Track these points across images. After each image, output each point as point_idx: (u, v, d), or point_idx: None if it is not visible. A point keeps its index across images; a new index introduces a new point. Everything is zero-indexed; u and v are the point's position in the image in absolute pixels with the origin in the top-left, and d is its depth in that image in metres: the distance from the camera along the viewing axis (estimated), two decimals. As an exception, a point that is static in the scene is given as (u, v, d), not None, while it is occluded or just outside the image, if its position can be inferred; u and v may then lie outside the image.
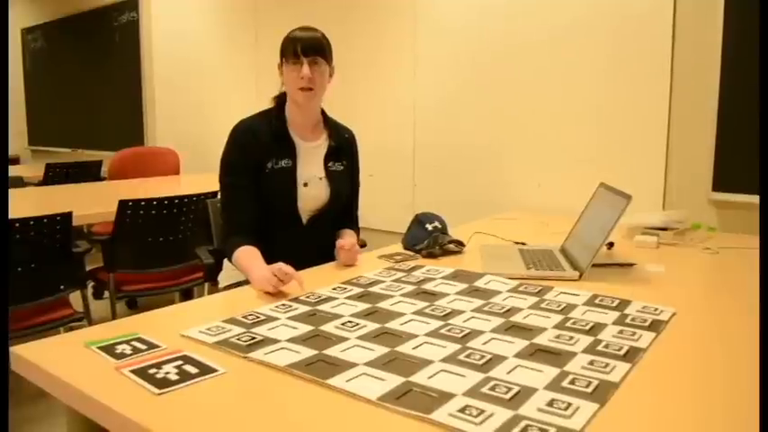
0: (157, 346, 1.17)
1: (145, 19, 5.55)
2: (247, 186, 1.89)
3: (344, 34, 3.74)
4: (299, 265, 1.79)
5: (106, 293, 2.92)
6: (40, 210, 2.42)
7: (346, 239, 1.87)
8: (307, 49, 1.83)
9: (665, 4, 2.56)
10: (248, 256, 1.77)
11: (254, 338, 1.21)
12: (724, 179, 2.47)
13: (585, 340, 1.20)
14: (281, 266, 1.55)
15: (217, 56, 4.89)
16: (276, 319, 1.34)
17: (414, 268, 1.79)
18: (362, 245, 2.09)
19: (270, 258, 1.84)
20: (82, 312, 2.53)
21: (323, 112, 2.03)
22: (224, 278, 2.03)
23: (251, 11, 4.51)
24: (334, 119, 2.07)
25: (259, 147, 1.89)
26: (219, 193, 1.95)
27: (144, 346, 1.17)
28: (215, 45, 4.90)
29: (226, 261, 2.04)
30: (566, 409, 0.91)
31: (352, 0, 3.74)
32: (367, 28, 3.66)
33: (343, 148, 2.04)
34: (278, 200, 1.91)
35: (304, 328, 1.27)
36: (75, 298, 2.57)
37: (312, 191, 1.95)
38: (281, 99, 1.99)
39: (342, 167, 2.02)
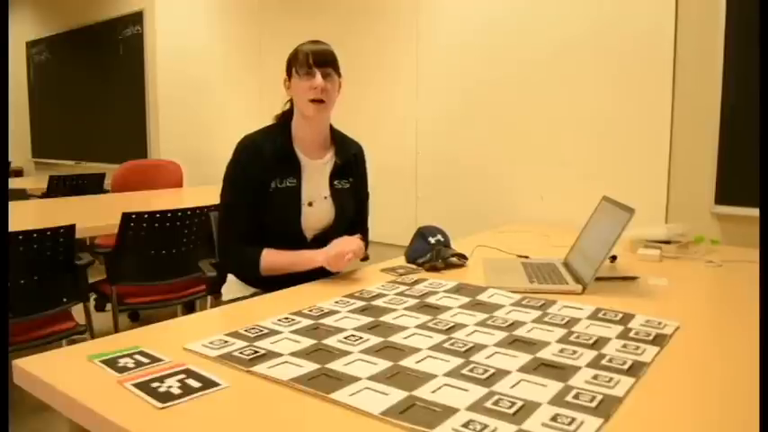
0: (160, 360, 1.17)
1: (149, 32, 5.59)
2: (248, 205, 1.86)
3: (347, 50, 3.75)
4: (303, 280, 1.80)
5: (108, 306, 2.92)
6: (43, 222, 2.43)
7: (342, 240, 1.85)
8: (319, 60, 1.82)
9: (666, 21, 2.58)
10: (282, 252, 1.84)
11: (256, 352, 1.21)
12: (726, 192, 2.47)
13: (589, 354, 1.20)
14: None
15: (220, 69, 4.92)
16: (279, 332, 1.33)
17: (416, 282, 1.79)
18: (365, 258, 2.09)
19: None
20: (84, 325, 2.53)
21: (331, 127, 2.00)
22: (227, 291, 2.02)
23: (255, 25, 4.54)
24: (342, 133, 2.04)
25: (263, 165, 1.86)
26: (218, 209, 1.93)
27: (146, 360, 1.16)
28: (219, 58, 4.93)
29: (230, 275, 2.03)
30: (570, 423, 0.91)
31: (354, 17, 3.77)
32: (369, 44, 3.68)
33: (349, 166, 2.01)
34: (282, 219, 1.89)
35: (307, 342, 1.27)
36: (77, 310, 2.57)
37: (317, 210, 1.93)
38: (285, 116, 1.96)
39: (348, 185, 2.00)
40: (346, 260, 1.79)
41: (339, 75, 1.89)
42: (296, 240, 1.91)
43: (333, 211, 1.95)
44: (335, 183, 1.97)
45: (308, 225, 1.91)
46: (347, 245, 1.80)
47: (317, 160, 1.95)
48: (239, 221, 1.88)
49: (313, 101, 1.83)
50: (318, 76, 1.81)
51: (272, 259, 1.84)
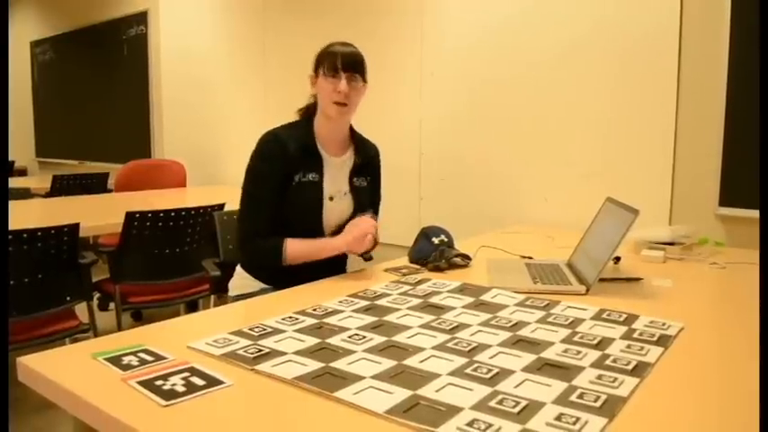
0: (164, 358, 1.17)
1: (153, 32, 5.59)
2: (272, 198, 1.89)
3: (351, 48, 3.76)
4: (317, 275, 1.81)
5: (111, 305, 2.93)
6: (46, 221, 2.43)
7: (358, 221, 1.90)
8: (347, 64, 1.87)
9: (670, 21, 2.57)
10: (303, 240, 1.87)
11: (260, 351, 1.21)
12: (730, 194, 2.46)
13: (593, 354, 1.20)
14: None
15: (224, 69, 4.92)
16: (283, 331, 1.33)
17: (420, 281, 1.79)
18: (369, 258, 2.09)
19: (290, 267, 1.85)
20: (87, 324, 2.53)
21: (350, 128, 2.04)
22: (234, 286, 2.03)
23: (259, 25, 4.54)
24: (360, 134, 2.09)
25: (287, 159, 1.89)
26: (240, 200, 1.94)
27: (151, 358, 1.16)
28: (223, 58, 4.93)
29: (238, 268, 2.04)
30: (574, 423, 0.91)
31: (358, 17, 3.77)
32: (374, 44, 3.67)
33: (367, 165, 2.06)
34: (304, 213, 1.92)
35: (311, 341, 1.27)
36: (80, 309, 2.58)
37: (337, 205, 1.96)
38: (308, 111, 2.00)
39: (365, 183, 2.05)
40: (367, 242, 1.85)
41: (365, 80, 1.93)
42: (315, 235, 1.93)
43: (352, 207, 1.99)
44: (354, 180, 2.01)
45: (328, 220, 1.95)
46: (365, 227, 1.85)
47: (338, 157, 1.99)
48: (261, 215, 1.90)
49: (336, 103, 1.88)
50: (344, 81, 1.86)
51: (295, 247, 1.87)
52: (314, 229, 1.93)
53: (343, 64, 1.86)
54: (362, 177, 2.04)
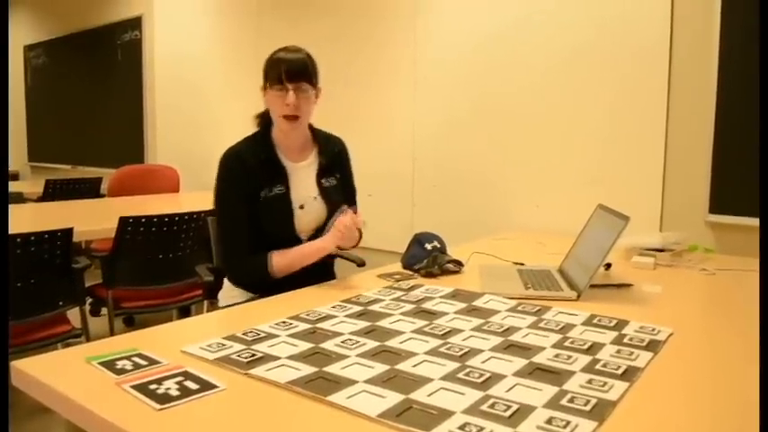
0: (158, 362, 1.17)
1: (147, 37, 5.60)
2: (244, 215, 1.86)
3: (345, 55, 3.78)
4: (299, 282, 1.81)
5: (103, 311, 2.92)
6: (39, 225, 2.43)
7: (341, 217, 1.84)
8: (292, 74, 1.79)
9: (661, 34, 2.60)
10: (288, 250, 1.84)
11: (254, 355, 1.21)
12: (720, 202, 2.49)
13: (584, 359, 1.21)
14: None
15: (218, 74, 4.93)
16: (276, 336, 1.34)
17: (413, 287, 1.80)
18: (362, 264, 2.10)
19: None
20: (80, 329, 2.53)
21: (311, 128, 2.00)
22: (224, 297, 2.02)
23: (253, 29, 4.55)
24: (323, 132, 2.05)
25: (249, 177, 1.86)
26: (216, 222, 1.93)
27: (144, 362, 1.17)
28: (216, 63, 4.94)
29: (226, 280, 2.04)
30: (564, 427, 0.92)
31: (351, 21, 3.79)
32: (366, 48, 3.69)
33: (333, 162, 2.02)
34: (275, 226, 1.89)
35: (304, 346, 1.28)
36: (72, 315, 2.57)
37: (308, 212, 1.94)
38: (265, 119, 1.96)
39: (335, 181, 2.01)
40: (353, 234, 1.82)
41: (315, 85, 1.86)
42: (291, 244, 1.91)
43: (324, 210, 1.97)
44: (323, 181, 1.98)
45: (301, 227, 1.93)
46: (346, 220, 1.79)
47: (302, 162, 1.96)
48: (239, 233, 1.88)
49: (286, 117, 1.83)
50: (291, 94, 1.79)
51: (281, 260, 1.84)
52: (289, 239, 1.91)
53: (287, 74, 1.78)
54: (331, 176, 2.00)
